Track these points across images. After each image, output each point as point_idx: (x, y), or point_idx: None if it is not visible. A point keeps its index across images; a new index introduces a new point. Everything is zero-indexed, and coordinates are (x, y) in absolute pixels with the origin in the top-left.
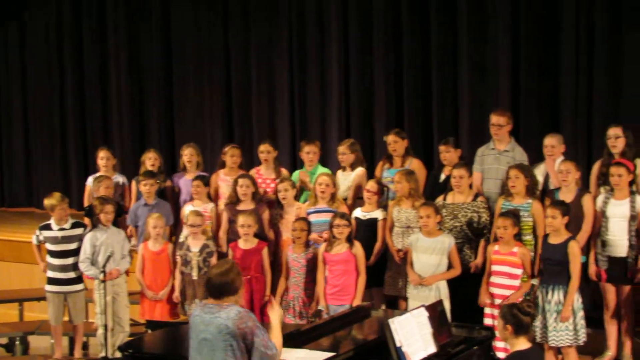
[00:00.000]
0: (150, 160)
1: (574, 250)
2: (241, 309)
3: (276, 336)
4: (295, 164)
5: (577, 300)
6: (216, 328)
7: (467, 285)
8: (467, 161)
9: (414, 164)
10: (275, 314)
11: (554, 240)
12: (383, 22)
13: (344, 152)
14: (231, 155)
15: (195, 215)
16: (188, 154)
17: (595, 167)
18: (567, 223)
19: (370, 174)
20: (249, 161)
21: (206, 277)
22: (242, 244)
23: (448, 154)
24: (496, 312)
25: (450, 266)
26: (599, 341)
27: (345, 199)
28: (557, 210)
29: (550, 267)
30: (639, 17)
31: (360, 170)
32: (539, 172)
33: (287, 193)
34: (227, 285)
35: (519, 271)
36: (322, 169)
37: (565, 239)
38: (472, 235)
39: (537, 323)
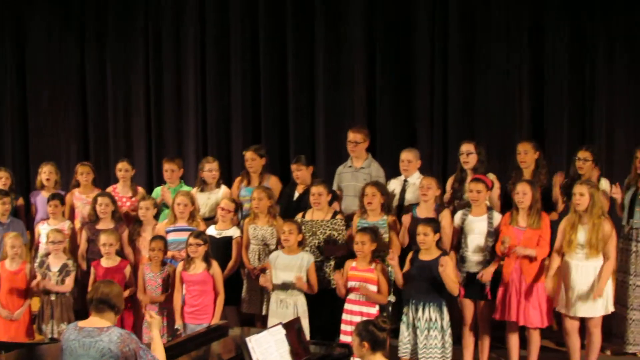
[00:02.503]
0: (1, 179)
1: (448, 263)
2: (122, 330)
3: (158, 348)
4: (152, 181)
5: (445, 318)
6: (98, 352)
7: (325, 303)
8: (323, 178)
9: (272, 181)
10: (154, 324)
11: (424, 257)
12: (240, 39)
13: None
14: (81, 173)
15: (56, 232)
16: (47, 172)
17: (449, 183)
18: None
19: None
20: (106, 178)
21: (92, 288)
22: (105, 262)
23: (299, 172)
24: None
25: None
26: (456, 357)
27: (212, 217)
28: (429, 228)
29: (420, 284)
30: (491, 34)
31: (226, 189)
32: (397, 185)
33: (148, 212)
34: (111, 301)
35: (376, 288)
36: (185, 187)
37: (437, 256)
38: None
39: (405, 340)
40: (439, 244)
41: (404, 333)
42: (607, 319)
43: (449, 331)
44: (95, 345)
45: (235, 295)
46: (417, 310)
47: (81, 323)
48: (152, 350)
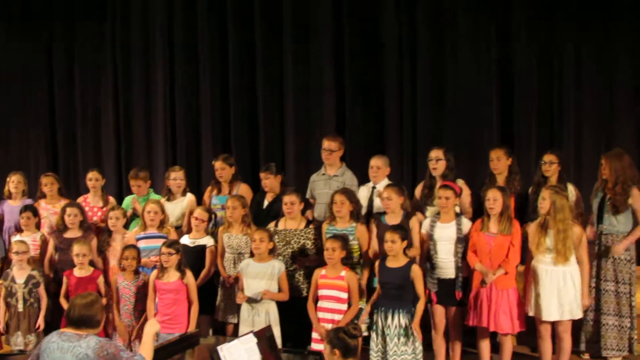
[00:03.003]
0: None
1: (417, 274)
2: (101, 338)
3: (145, 348)
4: (121, 190)
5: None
6: (75, 357)
7: (297, 310)
8: (292, 186)
9: (242, 189)
10: (150, 327)
11: (392, 264)
12: (209, 46)
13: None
14: (45, 184)
15: (20, 242)
16: (15, 181)
17: (418, 189)
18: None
19: (198, 201)
20: (75, 187)
21: (69, 305)
22: (77, 272)
23: (267, 181)
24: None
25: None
26: None
27: (179, 227)
28: (397, 235)
29: (388, 291)
30: (459, 39)
31: (191, 196)
32: (366, 191)
33: (118, 222)
34: (89, 318)
35: (347, 295)
36: (154, 196)
37: (405, 263)
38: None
39: (375, 348)
40: (406, 251)
41: (375, 340)
42: (579, 324)
43: (419, 337)
44: (73, 349)
45: (209, 304)
46: (386, 317)
47: (64, 329)
48: (140, 350)
